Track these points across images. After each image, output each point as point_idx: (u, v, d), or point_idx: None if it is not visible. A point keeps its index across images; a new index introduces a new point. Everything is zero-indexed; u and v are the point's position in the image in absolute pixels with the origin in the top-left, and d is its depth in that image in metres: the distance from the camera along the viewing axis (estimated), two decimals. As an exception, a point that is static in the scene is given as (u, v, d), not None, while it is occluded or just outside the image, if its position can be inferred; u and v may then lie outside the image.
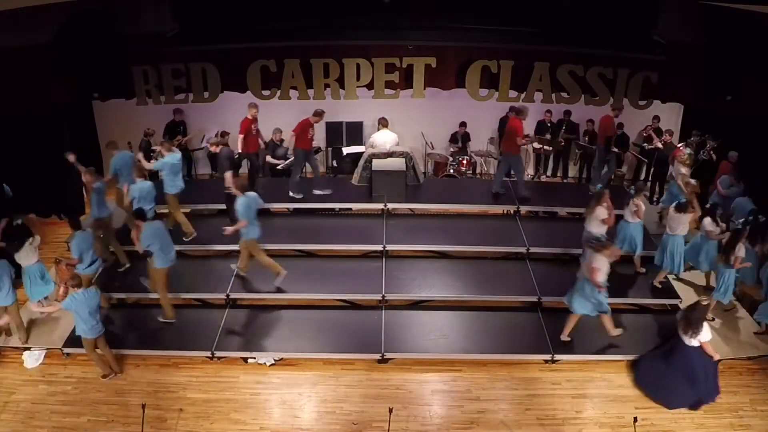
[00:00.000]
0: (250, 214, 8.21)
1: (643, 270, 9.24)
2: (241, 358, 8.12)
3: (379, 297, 8.67)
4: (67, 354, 8.09)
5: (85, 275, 7.98)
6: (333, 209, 10.59)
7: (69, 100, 10.92)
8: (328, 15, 10.79)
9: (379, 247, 9.38)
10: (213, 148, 9.76)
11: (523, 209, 10.27)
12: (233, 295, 8.74)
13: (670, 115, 11.93)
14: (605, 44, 10.68)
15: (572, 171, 12.95)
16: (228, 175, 9.06)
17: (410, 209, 10.57)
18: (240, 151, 10.05)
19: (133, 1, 10.63)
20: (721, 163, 10.61)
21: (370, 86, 11.51)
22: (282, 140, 11.50)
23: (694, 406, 7.35)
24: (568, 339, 8.14)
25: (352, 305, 8.85)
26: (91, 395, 7.52)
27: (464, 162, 12.00)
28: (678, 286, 9.18)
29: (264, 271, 9.03)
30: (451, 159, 12.03)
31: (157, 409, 7.25)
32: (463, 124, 12.40)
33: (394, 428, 6.82)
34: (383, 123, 11.15)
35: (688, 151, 10.15)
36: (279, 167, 11.34)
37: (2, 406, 7.31)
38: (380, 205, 10.13)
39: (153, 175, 9.54)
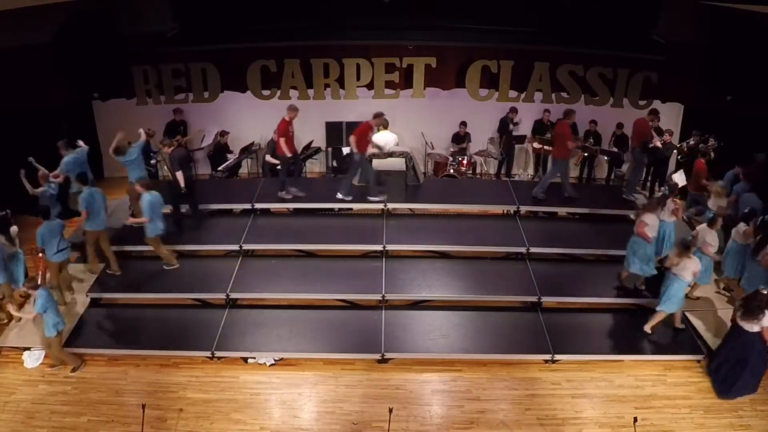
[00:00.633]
0: (153, 211, 8.60)
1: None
2: (241, 358, 8.12)
3: (379, 297, 8.66)
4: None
5: (53, 262, 8.35)
6: (333, 209, 10.58)
7: (69, 100, 10.94)
8: (328, 15, 10.82)
9: (379, 247, 9.37)
10: (166, 149, 9.60)
11: (523, 209, 10.26)
12: (233, 295, 8.74)
13: (670, 115, 11.92)
14: (605, 44, 10.70)
15: (573, 171, 12.94)
16: (179, 174, 9.27)
17: (410, 209, 10.56)
18: (289, 153, 9.81)
19: (133, 1, 10.66)
20: (696, 162, 10.30)
21: (370, 86, 11.54)
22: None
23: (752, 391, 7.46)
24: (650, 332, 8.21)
25: (352, 305, 8.84)
26: (91, 395, 7.52)
27: (464, 162, 12.00)
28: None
29: (264, 272, 9.05)
30: (451, 159, 12.03)
31: (157, 409, 7.25)
32: (463, 124, 12.40)
33: (394, 428, 6.82)
34: (383, 123, 11.13)
35: (720, 183, 9.59)
36: (278, 167, 11.29)
37: (2, 406, 7.31)
38: (380, 205, 10.13)
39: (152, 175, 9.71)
